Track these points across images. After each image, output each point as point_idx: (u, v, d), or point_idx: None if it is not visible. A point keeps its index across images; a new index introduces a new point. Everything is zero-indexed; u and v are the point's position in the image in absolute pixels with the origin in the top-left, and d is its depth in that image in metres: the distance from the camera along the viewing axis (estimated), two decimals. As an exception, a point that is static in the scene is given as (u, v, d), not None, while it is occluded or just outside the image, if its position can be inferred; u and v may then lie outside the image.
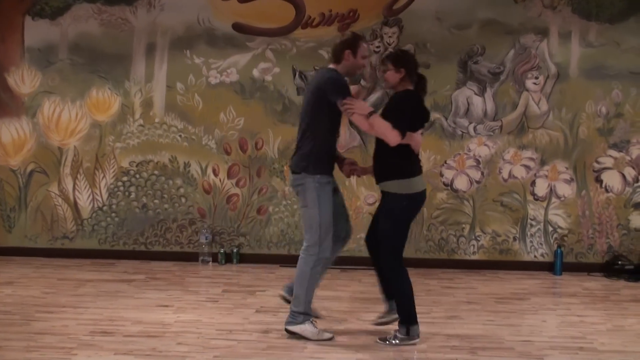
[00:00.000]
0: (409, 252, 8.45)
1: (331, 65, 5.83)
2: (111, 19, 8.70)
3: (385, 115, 5.60)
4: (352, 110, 5.59)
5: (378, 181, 5.83)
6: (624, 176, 8.43)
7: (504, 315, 6.57)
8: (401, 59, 5.79)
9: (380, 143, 5.71)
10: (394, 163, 5.67)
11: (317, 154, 5.73)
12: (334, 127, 5.83)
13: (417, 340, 5.72)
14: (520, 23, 8.43)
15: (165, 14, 8.65)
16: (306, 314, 5.79)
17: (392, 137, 5.52)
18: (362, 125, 5.67)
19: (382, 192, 5.80)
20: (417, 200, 5.76)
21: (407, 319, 5.76)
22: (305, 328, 5.77)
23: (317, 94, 5.69)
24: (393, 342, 5.72)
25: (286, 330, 5.81)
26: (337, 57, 5.80)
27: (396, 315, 5.85)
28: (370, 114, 5.57)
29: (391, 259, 5.73)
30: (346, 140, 8.57)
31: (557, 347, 5.73)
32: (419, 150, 5.79)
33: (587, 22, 8.43)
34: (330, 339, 5.78)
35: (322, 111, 5.69)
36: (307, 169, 5.71)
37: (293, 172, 5.81)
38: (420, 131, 5.82)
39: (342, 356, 5.46)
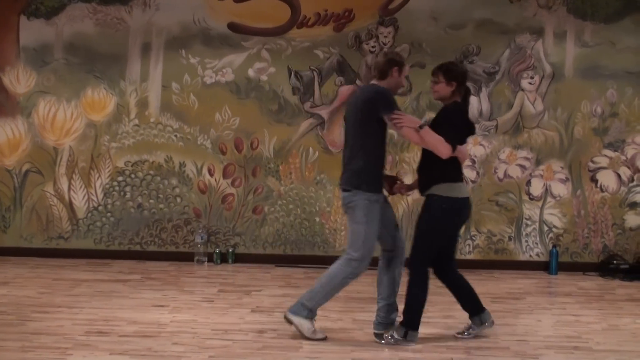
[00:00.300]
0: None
1: (374, 82, 5.77)
2: (106, 18, 8.70)
3: (435, 128, 5.59)
4: (402, 123, 5.60)
5: (422, 190, 5.81)
6: (619, 176, 8.44)
7: (500, 315, 6.57)
8: (453, 72, 5.75)
9: (426, 155, 5.71)
10: (441, 170, 5.65)
11: (368, 171, 5.70)
12: (382, 142, 5.77)
13: (412, 345, 5.70)
14: (515, 23, 8.45)
15: (160, 14, 8.65)
16: (312, 311, 5.77)
17: (445, 150, 5.54)
18: (412, 138, 5.67)
19: (425, 197, 5.81)
20: (458, 206, 5.70)
21: (410, 323, 5.74)
22: (304, 323, 5.75)
23: (365, 110, 5.64)
24: (390, 339, 5.72)
25: (285, 317, 5.79)
26: (383, 74, 5.73)
27: (481, 327, 5.92)
28: (421, 126, 5.58)
29: (417, 262, 5.71)
30: (341, 139, 8.54)
31: (552, 346, 5.74)
32: (464, 161, 5.85)
33: (582, 22, 8.45)
34: (322, 339, 5.77)
35: (371, 127, 5.66)
36: (359, 187, 5.66)
37: (344, 190, 5.75)
38: (466, 143, 5.85)
39: (338, 356, 5.45)
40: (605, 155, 8.47)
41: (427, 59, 8.44)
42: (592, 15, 8.43)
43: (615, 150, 8.46)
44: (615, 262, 8.38)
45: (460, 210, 5.74)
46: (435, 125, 5.64)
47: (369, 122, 5.65)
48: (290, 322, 5.78)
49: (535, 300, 7.21)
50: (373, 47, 8.53)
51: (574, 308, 6.87)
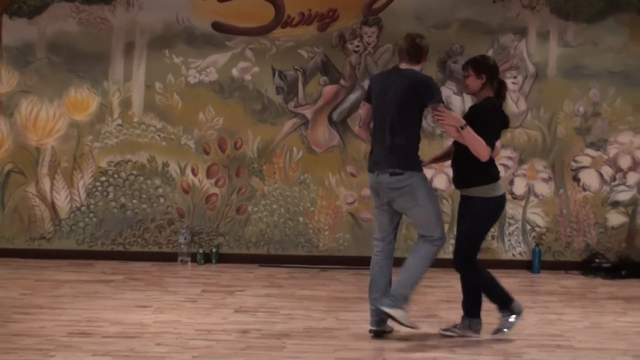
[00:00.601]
0: (388, 251, 8.49)
1: (409, 66, 5.70)
2: (89, 18, 8.66)
3: (471, 126, 5.57)
4: (444, 120, 5.59)
5: (461, 187, 5.83)
6: (601, 175, 8.48)
7: (483, 314, 6.56)
8: (482, 65, 5.78)
9: (462, 150, 5.70)
10: (480, 169, 5.67)
11: (415, 151, 5.69)
12: (420, 123, 5.77)
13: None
14: (499, 23, 8.47)
15: (144, 13, 8.62)
16: (407, 298, 5.73)
17: (484, 153, 5.58)
18: (452, 134, 5.66)
19: (464, 196, 5.82)
20: (501, 203, 5.82)
21: (507, 302, 5.89)
22: (401, 313, 5.66)
23: (411, 94, 5.57)
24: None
25: (382, 311, 5.68)
26: (418, 58, 5.71)
27: (467, 331, 5.92)
28: (462, 127, 5.55)
29: (467, 260, 5.79)
30: (325, 139, 8.58)
31: (535, 345, 5.75)
32: (497, 155, 5.90)
33: (565, 22, 8.48)
34: (415, 328, 5.77)
35: (413, 110, 5.62)
36: (413, 168, 5.64)
37: (395, 174, 5.61)
38: (499, 139, 5.88)
39: (321, 355, 5.45)
40: (588, 155, 8.51)
41: (410, 58, 8.45)
42: (575, 16, 8.47)
43: (598, 150, 8.50)
44: (597, 260, 8.41)
45: (501, 207, 5.88)
46: (469, 123, 5.60)
47: (413, 106, 5.61)
48: (388, 315, 5.66)
49: (518, 298, 7.15)
50: (357, 47, 8.54)
51: (556, 306, 6.90)
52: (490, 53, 8.45)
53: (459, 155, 5.79)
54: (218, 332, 5.97)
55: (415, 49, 5.72)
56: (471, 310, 5.95)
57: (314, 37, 8.57)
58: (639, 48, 8.43)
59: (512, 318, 5.87)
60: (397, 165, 5.61)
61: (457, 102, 8.46)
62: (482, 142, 5.56)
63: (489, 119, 5.69)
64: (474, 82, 5.75)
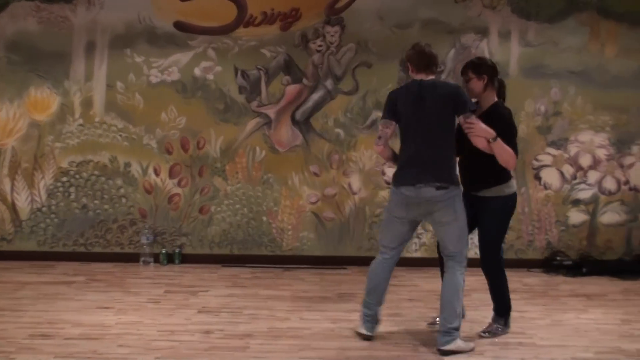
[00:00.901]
0: (351, 250, 8.55)
1: (430, 76, 5.66)
2: (50, 16, 8.57)
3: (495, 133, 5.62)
4: (475, 132, 5.56)
5: (478, 189, 5.86)
6: (562, 173, 8.55)
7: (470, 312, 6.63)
8: (481, 66, 5.82)
9: (473, 153, 5.71)
10: (496, 169, 5.72)
11: (454, 163, 5.67)
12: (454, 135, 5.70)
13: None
14: (460, 23, 8.51)
15: (105, 12, 8.54)
16: (458, 328, 5.64)
17: (514, 162, 5.69)
18: (481, 146, 5.62)
19: (480, 198, 5.85)
20: (515, 198, 5.93)
21: (506, 311, 6.06)
22: (460, 344, 5.60)
23: (447, 105, 5.53)
24: (498, 330, 6.02)
25: (441, 351, 5.58)
26: (435, 67, 5.72)
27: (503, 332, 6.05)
28: (494, 138, 5.56)
29: (495, 258, 5.91)
30: (288, 139, 8.57)
31: (497, 342, 5.80)
32: None
33: (527, 22, 8.54)
34: (472, 349, 5.71)
35: (450, 120, 5.57)
36: (455, 182, 5.61)
37: (440, 188, 5.53)
38: None
39: (285, 355, 5.45)
40: (549, 154, 8.58)
41: (373, 58, 8.48)
42: (536, 15, 8.53)
43: (559, 149, 8.57)
44: (558, 258, 8.49)
45: (516, 203, 5.96)
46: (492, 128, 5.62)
47: (448, 117, 5.56)
48: (451, 352, 5.56)
49: (481, 297, 7.24)
50: (320, 46, 8.54)
51: (518, 304, 6.94)
52: (452, 53, 8.50)
53: (472, 159, 5.82)
54: (181, 333, 5.95)
55: (433, 59, 5.72)
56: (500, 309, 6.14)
57: (277, 37, 8.55)
58: (599, 48, 8.53)
59: (501, 329, 6.03)
60: (443, 178, 5.54)
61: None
62: (511, 152, 5.64)
63: (511, 125, 5.78)
64: (477, 84, 5.80)
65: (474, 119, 5.56)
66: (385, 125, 5.74)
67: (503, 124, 5.71)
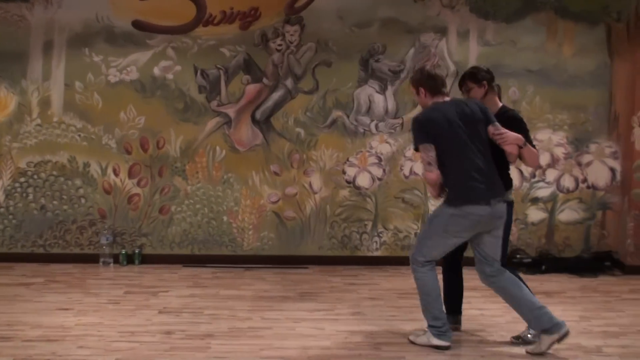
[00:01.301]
0: (312, 249, 8.55)
1: (446, 97, 5.65)
2: (6, 15, 8.47)
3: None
4: (506, 140, 5.53)
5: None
6: (521, 172, 8.61)
7: (407, 310, 6.65)
8: (477, 74, 5.84)
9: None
10: (506, 178, 5.76)
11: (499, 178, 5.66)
12: None
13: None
14: (419, 22, 8.55)
15: (62, 11, 8.46)
16: (551, 329, 5.51)
17: (538, 161, 5.64)
18: (514, 152, 5.60)
19: None
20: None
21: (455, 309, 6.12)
22: (546, 339, 5.53)
23: (483, 118, 5.55)
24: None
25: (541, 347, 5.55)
26: (445, 89, 5.71)
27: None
28: (525, 143, 5.58)
29: (505, 263, 5.80)
30: (248, 138, 8.55)
31: (458, 339, 5.83)
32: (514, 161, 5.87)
33: (485, 22, 8.60)
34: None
35: (486, 132, 5.57)
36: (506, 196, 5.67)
37: (504, 202, 5.57)
38: None
39: (246, 355, 5.44)
40: (508, 152, 8.64)
41: (333, 57, 8.49)
42: (494, 15, 8.60)
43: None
44: (518, 256, 8.57)
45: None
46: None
47: (486, 129, 5.56)
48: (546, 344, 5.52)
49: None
50: (279, 45, 8.53)
51: (479, 302, 6.99)
52: (411, 52, 8.54)
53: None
54: (142, 334, 5.91)
55: (444, 79, 5.75)
56: (450, 306, 6.10)
57: (236, 36, 8.54)
58: (557, 47, 8.61)
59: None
60: (503, 193, 5.59)
61: (380, 100, 8.52)
62: (537, 152, 5.74)
63: (526, 127, 5.79)
64: (478, 92, 5.81)
65: (501, 128, 5.57)
66: (427, 149, 5.49)
67: (521, 127, 5.74)
